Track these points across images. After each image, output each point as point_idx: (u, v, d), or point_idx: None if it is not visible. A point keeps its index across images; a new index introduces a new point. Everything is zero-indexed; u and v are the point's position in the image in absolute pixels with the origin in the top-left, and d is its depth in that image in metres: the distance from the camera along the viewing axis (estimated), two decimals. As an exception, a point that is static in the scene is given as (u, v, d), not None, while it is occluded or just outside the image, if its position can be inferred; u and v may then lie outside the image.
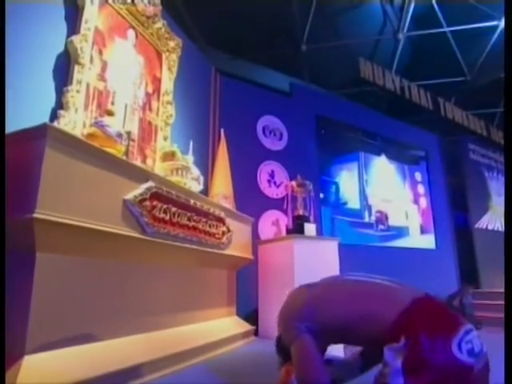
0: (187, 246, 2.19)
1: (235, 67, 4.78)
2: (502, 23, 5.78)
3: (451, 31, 6.33)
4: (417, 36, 6.39)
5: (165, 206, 2.01)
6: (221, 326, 2.69)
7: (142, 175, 1.91)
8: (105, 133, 1.99)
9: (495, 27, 5.96)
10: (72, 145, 1.51)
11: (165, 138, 3.01)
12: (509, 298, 1.49)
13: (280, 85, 5.42)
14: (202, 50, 3.99)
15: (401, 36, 6.23)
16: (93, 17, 2.42)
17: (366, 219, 5.36)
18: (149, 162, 2.81)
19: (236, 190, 3.69)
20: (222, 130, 3.64)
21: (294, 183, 3.43)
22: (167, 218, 2.02)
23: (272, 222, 4.10)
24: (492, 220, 6.74)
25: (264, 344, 2.88)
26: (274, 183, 4.30)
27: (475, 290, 5.91)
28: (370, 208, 5.44)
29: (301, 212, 3.28)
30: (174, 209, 2.08)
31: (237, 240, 2.78)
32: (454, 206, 6.66)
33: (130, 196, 1.77)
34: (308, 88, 5.15)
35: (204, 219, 2.38)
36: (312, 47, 6.13)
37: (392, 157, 6.06)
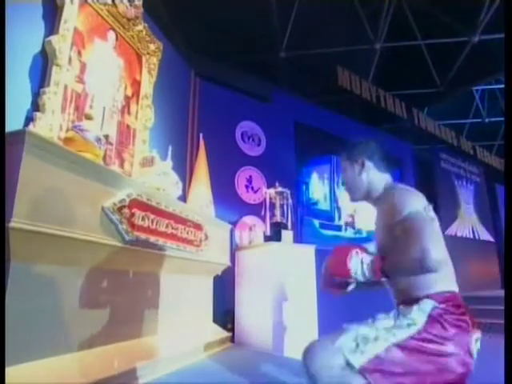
0: (166, 253, 2.16)
1: (215, 72, 4.78)
2: (473, 39, 6.03)
3: (425, 44, 6.57)
4: (393, 47, 6.57)
5: (144, 213, 1.98)
6: (197, 333, 2.67)
7: (122, 182, 1.87)
8: (83, 137, 1.95)
9: (466, 43, 6.19)
10: (51, 151, 1.47)
11: (143, 142, 2.97)
12: (509, 299, 1.48)
13: (259, 91, 5.47)
14: (183, 54, 3.95)
15: (378, 46, 6.39)
16: (72, 17, 2.36)
17: (336, 221, 5.42)
18: (126, 165, 2.77)
19: (214, 195, 3.69)
20: (201, 135, 3.62)
21: (272, 191, 3.45)
22: (146, 225, 2.00)
23: (249, 228, 4.10)
24: (460, 227, 7.00)
25: (239, 351, 2.90)
26: (252, 189, 4.31)
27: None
28: (339, 210, 5.49)
29: (278, 219, 3.31)
30: (152, 216, 2.06)
31: (214, 246, 2.77)
32: (426, 214, 6.87)
33: (108, 203, 1.74)
34: (287, 95, 5.19)
35: (182, 226, 2.36)
36: (291, 54, 6.22)
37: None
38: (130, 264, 2.00)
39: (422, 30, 6.39)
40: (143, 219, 1.98)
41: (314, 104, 5.73)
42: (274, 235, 3.18)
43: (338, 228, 5.43)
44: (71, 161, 1.58)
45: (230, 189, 4.13)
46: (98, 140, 2.01)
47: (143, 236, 1.95)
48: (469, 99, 7.67)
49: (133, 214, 1.89)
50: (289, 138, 4.95)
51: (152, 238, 2.03)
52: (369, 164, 1.54)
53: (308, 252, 3.27)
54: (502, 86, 7.27)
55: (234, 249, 3.68)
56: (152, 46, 3.17)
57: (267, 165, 4.50)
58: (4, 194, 1.28)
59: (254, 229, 4.09)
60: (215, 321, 3.01)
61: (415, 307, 1.24)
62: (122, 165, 2.72)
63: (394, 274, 1.30)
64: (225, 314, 3.25)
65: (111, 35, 2.76)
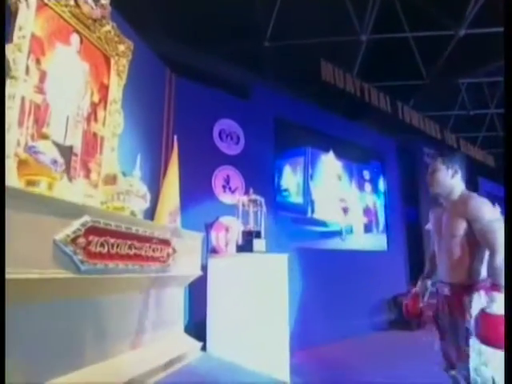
0: (128, 275, 2.12)
1: (193, 68, 4.61)
2: (459, 33, 5.93)
3: (412, 36, 6.46)
4: (379, 38, 6.43)
5: (102, 239, 1.92)
6: (168, 346, 2.66)
7: (77, 210, 1.80)
8: (37, 160, 1.86)
9: (453, 36, 6.09)
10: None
11: (112, 150, 2.87)
12: (509, 298, 1.52)
13: (238, 87, 5.34)
14: (158, 51, 3.79)
15: (363, 37, 6.25)
16: (29, 22, 2.21)
17: (309, 214, 5.32)
18: (93, 176, 2.67)
19: (190, 197, 3.64)
20: (176, 138, 3.52)
21: (245, 198, 3.39)
22: (105, 250, 1.94)
23: (226, 229, 4.07)
24: (441, 221, 7.07)
25: (210, 362, 2.91)
26: (230, 189, 4.25)
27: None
28: (313, 203, 5.41)
29: (251, 227, 3.27)
30: (112, 240, 1.99)
31: (183, 259, 2.73)
32: (408, 208, 6.91)
33: (60, 236, 1.67)
34: (267, 90, 5.06)
35: (147, 244, 2.31)
36: (275, 44, 6.06)
37: (340, 154, 6.05)
38: (91, 291, 1.96)
39: (409, 21, 6.26)
40: (102, 245, 1.92)
41: (297, 97, 5.61)
42: (246, 245, 3.15)
43: (311, 222, 5.33)
44: (16, 197, 1.49)
45: (206, 189, 4.06)
46: (54, 162, 1.92)
47: (101, 263, 1.90)
48: (455, 91, 7.62)
49: (89, 242, 1.83)
50: (269, 134, 4.87)
51: (111, 263, 1.98)
52: (460, 172, 2.08)
53: (280, 261, 3.25)
54: (489, 79, 7.21)
55: (208, 253, 3.67)
56: (121, 47, 3.02)
57: (246, 163, 4.43)
58: (4, 190, 1.29)
59: (230, 230, 4.06)
60: (187, 330, 3.00)
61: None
62: (88, 176, 2.62)
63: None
64: (197, 324, 3.25)
65: (75, 38, 2.61)
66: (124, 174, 2.32)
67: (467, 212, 1.94)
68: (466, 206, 1.95)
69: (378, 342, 5.14)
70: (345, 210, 5.89)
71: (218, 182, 4.17)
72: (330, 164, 5.89)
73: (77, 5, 2.57)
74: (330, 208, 5.67)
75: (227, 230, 4.07)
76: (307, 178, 5.44)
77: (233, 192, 4.25)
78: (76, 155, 2.56)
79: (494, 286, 1.79)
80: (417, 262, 6.47)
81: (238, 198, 3.56)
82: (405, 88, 7.10)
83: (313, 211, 5.39)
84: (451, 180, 2.06)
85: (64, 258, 1.69)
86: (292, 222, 5.06)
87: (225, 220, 4.06)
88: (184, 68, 4.22)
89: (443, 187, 2.08)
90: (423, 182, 6.88)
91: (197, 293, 3.34)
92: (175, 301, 2.86)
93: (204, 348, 3.07)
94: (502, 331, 1.52)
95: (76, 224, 1.76)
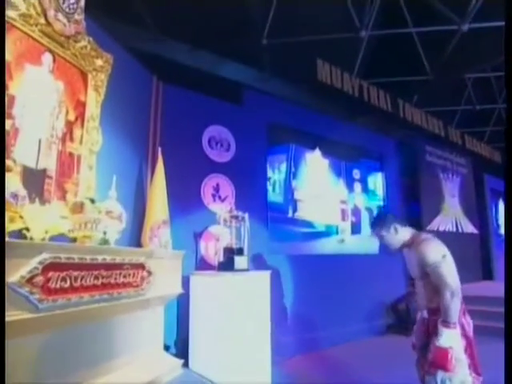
0: (94, 306, 2.10)
1: (183, 67, 4.52)
2: (463, 28, 5.70)
3: (416, 31, 6.24)
4: (380, 34, 6.23)
5: (64, 274, 1.90)
6: (146, 366, 2.66)
7: (34, 249, 1.78)
8: (-4, 195, 1.83)
9: (457, 30, 5.87)
10: None
11: (90, 168, 2.84)
12: (509, 300, 1.61)
13: (241, 77, 5.24)
14: (144, 59, 3.72)
15: (364, 34, 6.06)
16: (-6, 47, 2.17)
17: (290, 214, 5.12)
18: (69, 196, 2.64)
19: (178, 207, 3.61)
20: (160, 150, 3.47)
21: (226, 214, 3.34)
22: (67, 285, 1.92)
23: (216, 238, 4.03)
24: (443, 221, 6.92)
25: (192, 378, 2.92)
26: (219, 197, 4.20)
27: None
28: (295, 202, 5.21)
29: (233, 245, 3.23)
30: (75, 273, 1.97)
31: (161, 280, 2.70)
32: (407, 209, 6.76)
33: (14, 278, 1.65)
34: (259, 95, 4.94)
35: (117, 271, 2.28)
36: (273, 42, 5.91)
37: (327, 152, 5.82)
38: (54, 325, 1.95)
39: (412, 15, 6.06)
40: (63, 279, 1.90)
41: (291, 99, 5.48)
42: (226, 263, 3.11)
43: (292, 222, 5.13)
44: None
45: (195, 199, 4.02)
46: (14, 196, 1.90)
47: (62, 298, 1.88)
48: (461, 86, 7.38)
49: (49, 279, 1.81)
50: (261, 140, 4.78)
51: (74, 297, 1.96)
52: (398, 226, 2.34)
53: (262, 278, 3.21)
54: (496, 73, 6.97)
55: (197, 263, 3.65)
56: (99, 62, 2.96)
57: (236, 170, 4.37)
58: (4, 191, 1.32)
59: (220, 239, 4.02)
60: (167, 348, 3.00)
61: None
62: (63, 197, 2.60)
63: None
64: (179, 341, 3.24)
65: (47, 58, 2.55)
66: (92, 201, 2.27)
67: (416, 259, 2.21)
68: (414, 253, 2.24)
69: (376, 346, 5.10)
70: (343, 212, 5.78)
71: (207, 190, 4.13)
72: (316, 162, 5.69)
73: (48, 23, 2.51)
74: (319, 208, 5.51)
75: (217, 239, 4.03)
76: (290, 176, 5.23)
77: (222, 200, 4.20)
78: (50, 178, 2.53)
79: (443, 322, 2.04)
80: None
81: (219, 214, 3.50)
82: (408, 84, 6.90)
83: (294, 210, 5.17)
84: (397, 236, 2.34)
85: (19, 299, 1.68)
86: (271, 221, 4.87)
87: (214, 229, 4.02)
88: (172, 74, 4.13)
89: (395, 245, 2.37)
90: (425, 181, 6.78)
91: (183, 310, 3.33)
92: (154, 320, 2.85)
93: (186, 363, 3.07)
94: (448, 360, 1.95)
95: (33, 263, 1.74)
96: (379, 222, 2.42)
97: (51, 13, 2.51)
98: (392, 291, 5.81)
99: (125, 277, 2.35)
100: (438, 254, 2.12)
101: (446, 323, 2.02)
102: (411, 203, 6.68)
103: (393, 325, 5.52)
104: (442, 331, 2.01)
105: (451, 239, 6.81)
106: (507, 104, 1.72)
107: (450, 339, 1.99)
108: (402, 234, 2.33)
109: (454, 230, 7.07)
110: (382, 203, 6.41)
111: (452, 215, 7.04)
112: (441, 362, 1.98)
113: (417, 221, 6.63)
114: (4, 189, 1.20)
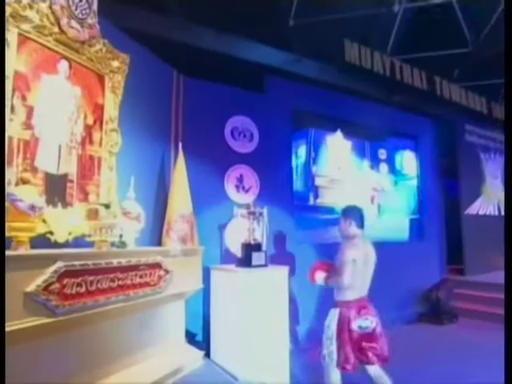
0: (110, 307, 2.22)
1: (217, 44, 4.46)
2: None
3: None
4: (415, 6, 5.82)
5: (79, 280, 2.02)
6: (168, 358, 2.80)
7: (49, 259, 1.89)
8: (16, 207, 1.96)
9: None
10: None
11: (110, 169, 2.95)
12: (509, 294, 1.56)
13: (268, 61, 5.13)
14: (163, 54, 3.73)
15: (397, 8, 5.69)
16: (10, 61, 2.26)
17: (311, 202, 5.02)
18: (92, 197, 2.78)
19: (202, 200, 3.67)
20: (180, 145, 3.51)
21: (243, 211, 3.36)
22: (83, 289, 2.04)
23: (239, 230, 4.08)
24: (484, 205, 6.55)
25: (213, 369, 3.05)
26: (243, 188, 4.22)
27: (459, 278, 5.90)
28: (316, 189, 5.09)
29: (251, 241, 3.25)
30: (90, 278, 2.09)
31: (180, 276, 2.80)
32: (445, 192, 6.45)
33: (31, 288, 1.77)
34: (282, 80, 4.81)
35: (133, 272, 2.39)
36: (300, 22, 5.70)
37: (349, 133, 5.58)
38: (71, 327, 2.09)
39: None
40: (79, 285, 2.02)
41: (318, 83, 5.30)
42: (244, 259, 3.15)
43: (313, 209, 5.02)
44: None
45: (219, 191, 4.07)
46: (32, 208, 2.01)
47: (79, 302, 2.01)
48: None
49: (64, 286, 1.93)
50: (285, 128, 4.71)
51: (91, 300, 2.08)
52: (353, 222, 2.79)
53: (280, 274, 3.23)
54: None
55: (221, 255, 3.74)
56: (115, 63, 3.01)
57: (260, 160, 4.35)
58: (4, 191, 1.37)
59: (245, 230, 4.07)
60: (193, 335, 3.13)
61: None
62: (86, 199, 2.73)
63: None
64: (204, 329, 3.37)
65: (62, 65, 2.63)
66: (107, 206, 2.36)
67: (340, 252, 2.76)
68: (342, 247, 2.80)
69: (407, 335, 5.02)
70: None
71: (230, 182, 4.16)
72: (338, 144, 5.52)
73: (62, 31, 2.57)
74: (342, 193, 5.34)
75: (239, 232, 4.08)
76: (310, 161, 5.12)
77: (246, 191, 4.22)
78: (72, 181, 2.66)
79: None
80: (453, 249, 6.14)
81: (236, 211, 3.53)
82: (447, 59, 6.44)
83: (316, 197, 5.05)
84: (348, 229, 2.81)
85: (37, 306, 1.81)
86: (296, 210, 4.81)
87: (239, 220, 4.06)
88: (194, 65, 4.12)
89: (342, 233, 2.88)
90: (464, 162, 6.39)
91: (208, 298, 3.45)
92: (175, 314, 2.98)
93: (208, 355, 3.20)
94: None
95: (48, 272, 1.86)
96: (348, 210, 2.88)
97: (64, 21, 2.56)
98: (424, 279, 5.65)
99: (141, 277, 2.45)
100: (349, 257, 2.61)
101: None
102: (449, 185, 6.37)
103: (425, 314, 5.38)
104: None
105: (492, 223, 6.47)
106: (506, 104, 1.58)
107: None
108: (351, 229, 2.78)
109: (496, 213, 6.68)
110: (414, 183, 6.14)
111: (494, 198, 6.63)
112: None
113: (455, 203, 6.33)
114: (4, 188, 1.27)
